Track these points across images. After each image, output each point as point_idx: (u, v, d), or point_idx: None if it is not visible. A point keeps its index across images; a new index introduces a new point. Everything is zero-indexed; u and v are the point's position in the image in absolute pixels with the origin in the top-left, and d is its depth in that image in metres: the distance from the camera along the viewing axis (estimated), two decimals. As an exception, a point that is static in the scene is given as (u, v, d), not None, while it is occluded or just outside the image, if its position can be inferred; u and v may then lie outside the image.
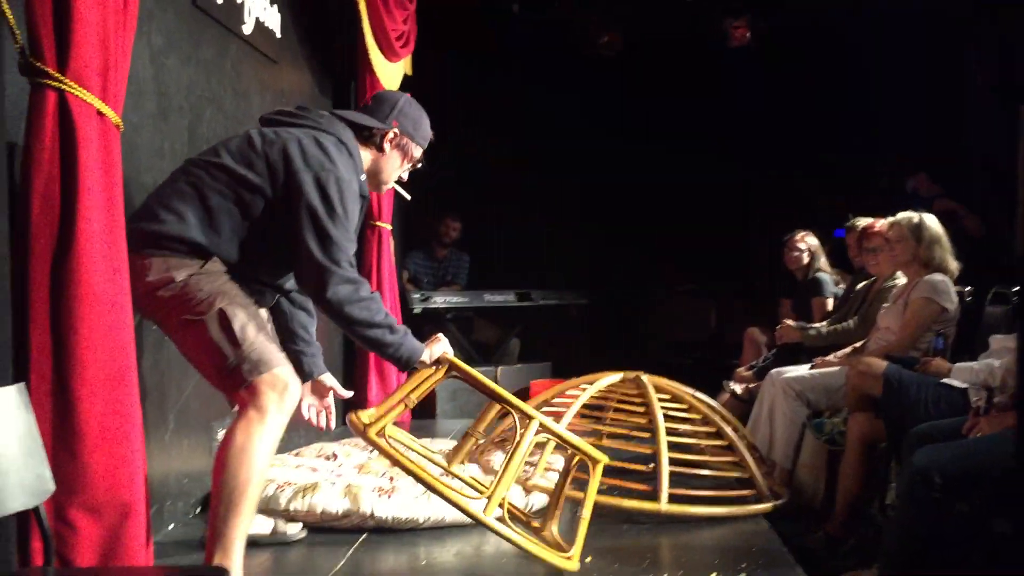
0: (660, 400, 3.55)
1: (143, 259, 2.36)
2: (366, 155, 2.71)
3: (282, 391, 2.34)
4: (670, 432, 3.40)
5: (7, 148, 2.11)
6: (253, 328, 2.37)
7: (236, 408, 2.45)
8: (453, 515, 2.98)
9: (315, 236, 2.42)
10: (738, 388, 4.85)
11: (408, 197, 3.21)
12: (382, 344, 2.53)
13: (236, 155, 2.50)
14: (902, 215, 3.97)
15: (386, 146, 2.73)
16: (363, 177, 2.64)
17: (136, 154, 2.86)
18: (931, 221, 3.93)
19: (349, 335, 2.59)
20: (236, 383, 2.35)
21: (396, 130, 2.72)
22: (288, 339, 2.79)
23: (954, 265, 3.90)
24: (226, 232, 2.44)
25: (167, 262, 2.38)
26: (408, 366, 2.62)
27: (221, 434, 3.40)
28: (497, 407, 2.86)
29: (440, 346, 2.68)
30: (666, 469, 3.20)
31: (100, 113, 2.17)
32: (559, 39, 7.19)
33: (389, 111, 2.73)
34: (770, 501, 3.32)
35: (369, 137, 2.71)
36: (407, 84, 5.55)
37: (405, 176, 2.88)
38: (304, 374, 2.82)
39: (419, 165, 2.88)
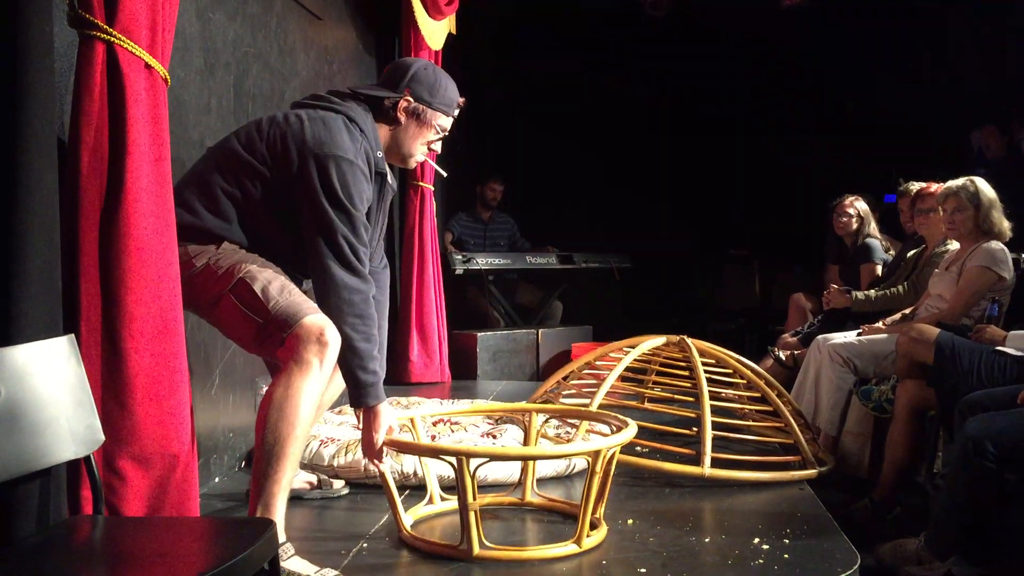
0: (704, 364, 3.51)
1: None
2: (383, 129, 2.58)
3: (319, 339, 2.28)
4: (713, 396, 3.37)
5: (57, 100, 2.11)
6: (276, 285, 2.35)
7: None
8: (495, 474, 2.98)
9: (316, 220, 2.35)
10: (783, 355, 4.79)
11: (444, 174, 3.06)
12: (357, 366, 2.38)
13: (243, 140, 2.46)
14: (955, 183, 3.85)
15: (400, 116, 2.58)
16: (379, 153, 2.54)
17: (183, 109, 2.86)
18: (985, 186, 3.83)
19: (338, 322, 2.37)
20: (274, 344, 2.33)
21: (409, 98, 2.57)
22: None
23: (1007, 225, 3.81)
24: (234, 219, 2.42)
25: (186, 250, 2.37)
26: (361, 401, 2.42)
27: (264, 389, 3.45)
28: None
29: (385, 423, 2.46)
30: (709, 433, 3.17)
31: (148, 66, 2.16)
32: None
33: (401, 79, 2.58)
34: (815, 468, 3.28)
35: (384, 109, 2.58)
36: (451, 43, 5.51)
37: (437, 148, 2.69)
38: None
39: (445, 133, 2.68)
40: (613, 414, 2.75)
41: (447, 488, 2.82)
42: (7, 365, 1.77)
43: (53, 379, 1.84)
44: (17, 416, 1.76)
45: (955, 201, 3.82)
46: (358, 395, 2.42)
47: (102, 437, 1.92)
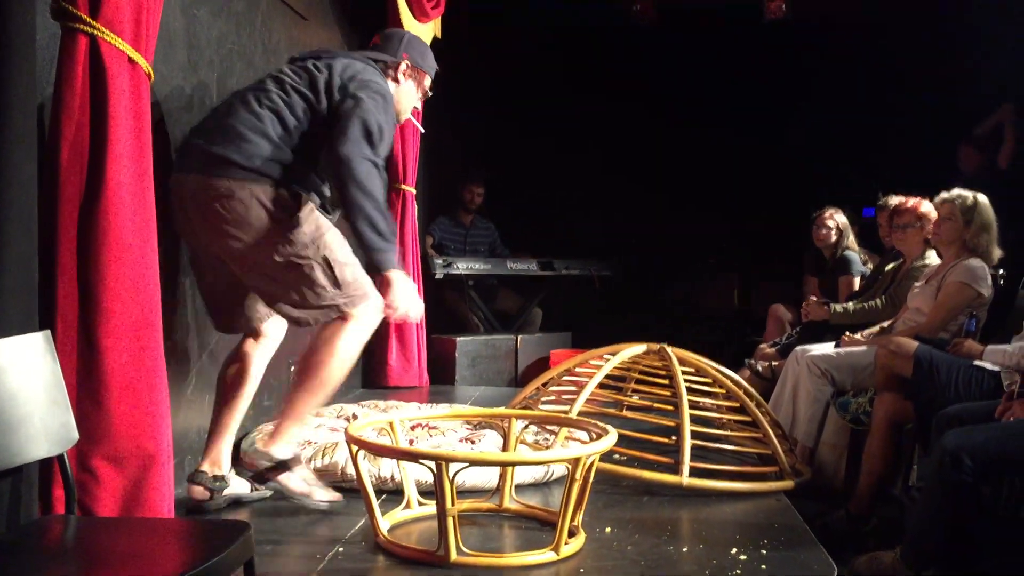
0: (684, 373, 3.51)
1: (227, 183, 2.52)
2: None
3: (372, 304, 2.65)
4: (693, 406, 3.37)
5: (38, 93, 2.08)
6: (352, 267, 2.65)
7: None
8: (473, 480, 2.97)
9: (358, 129, 2.60)
10: (760, 366, 4.81)
11: (423, 130, 3.49)
12: (372, 222, 2.57)
13: (292, 82, 2.69)
14: (956, 192, 3.84)
15: (400, 77, 2.98)
16: None
17: (165, 105, 2.83)
18: (985, 205, 3.79)
19: (346, 205, 2.58)
20: (329, 314, 2.62)
21: (408, 62, 2.99)
22: None
23: (997, 253, 3.79)
24: (289, 141, 2.62)
25: (247, 188, 2.53)
26: (376, 267, 2.64)
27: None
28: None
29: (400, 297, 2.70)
30: (688, 442, 3.17)
31: (132, 61, 2.14)
32: (590, 5, 7.10)
33: (398, 44, 3.00)
34: (792, 479, 3.29)
35: (385, 71, 2.93)
36: (436, 48, 5.49)
37: (419, 106, 3.12)
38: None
39: (430, 94, 3.12)
40: (593, 421, 2.74)
41: (425, 493, 2.80)
42: (-20, 360, 1.74)
43: (27, 376, 1.81)
44: (-10, 412, 1.73)
45: (948, 209, 3.81)
46: (377, 259, 2.64)
47: (76, 435, 1.89)
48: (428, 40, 5.29)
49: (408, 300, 2.70)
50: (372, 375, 5.27)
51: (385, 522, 2.57)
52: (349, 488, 3.01)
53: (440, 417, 3.21)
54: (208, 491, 2.75)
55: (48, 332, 1.90)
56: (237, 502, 2.87)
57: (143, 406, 2.12)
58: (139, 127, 2.15)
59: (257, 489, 2.93)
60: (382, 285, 2.66)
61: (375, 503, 2.51)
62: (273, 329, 2.91)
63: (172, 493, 2.28)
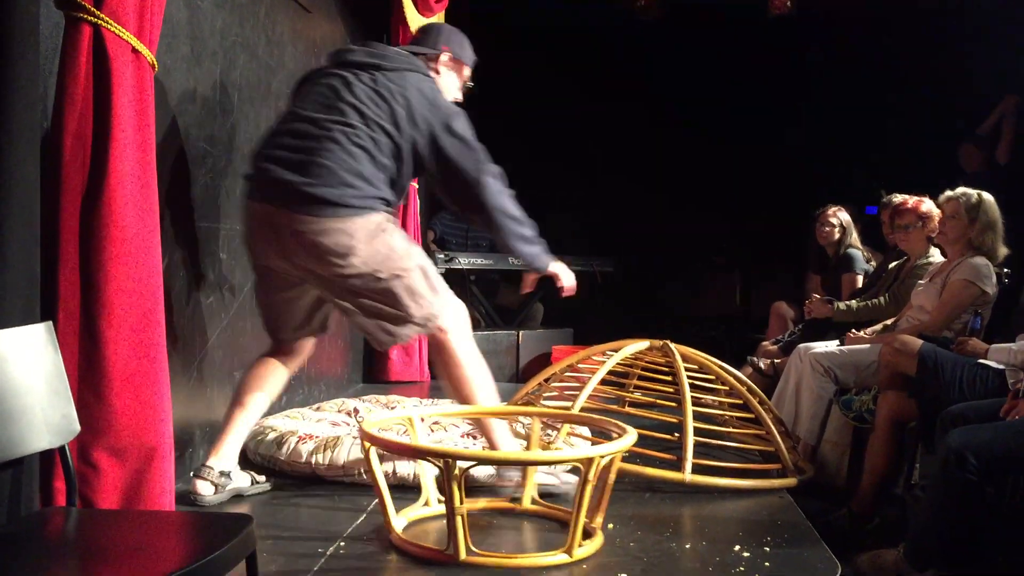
0: (687, 370, 3.50)
1: (339, 221, 2.60)
2: None
3: (458, 310, 2.82)
4: (696, 402, 3.36)
5: (41, 83, 2.07)
6: (439, 280, 2.79)
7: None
8: (477, 473, 2.95)
9: (462, 159, 2.77)
10: (762, 364, 4.80)
11: None
12: (513, 230, 2.87)
13: (374, 116, 2.72)
14: (961, 191, 3.82)
15: (442, 69, 3.03)
16: None
17: (167, 97, 2.81)
18: (990, 203, 3.77)
19: (486, 219, 2.84)
20: (420, 328, 2.75)
21: (448, 53, 3.05)
22: None
23: (1003, 252, 3.77)
24: (379, 177, 2.70)
25: (349, 222, 2.61)
26: (539, 270, 3.01)
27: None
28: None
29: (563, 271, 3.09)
30: (691, 439, 3.16)
31: (135, 51, 2.13)
32: (592, 2, 7.08)
33: (437, 37, 3.07)
34: (795, 476, 3.28)
35: (427, 63, 2.97)
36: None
37: (460, 97, 3.10)
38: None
39: (470, 84, 3.16)
40: (615, 421, 2.67)
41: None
42: (-18, 351, 1.72)
43: (29, 367, 1.80)
44: (-9, 404, 1.71)
45: (953, 207, 3.79)
46: (528, 254, 2.95)
47: (78, 427, 1.88)
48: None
49: (570, 276, 3.12)
50: (373, 370, 5.27)
51: (401, 519, 2.55)
52: (351, 483, 3.01)
53: (461, 414, 3.16)
54: (213, 486, 2.76)
55: (50, 323, 1.89)
56: (238, 496, 2.87)
57: (144, 398, 2.11)
58: (143, 118, 2.13)
59: (257, 482, 2.94)
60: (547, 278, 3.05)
61: (388, 499, 2.46)
62: (308, 348, 3.02)
63: (173, 486, 2.27)
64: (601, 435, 3.18)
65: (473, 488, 2.90)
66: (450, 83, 3.06)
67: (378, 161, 2.70)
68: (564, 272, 3.09)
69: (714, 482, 3.11)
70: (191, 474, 2.82)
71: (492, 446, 2.93)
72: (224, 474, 2.80)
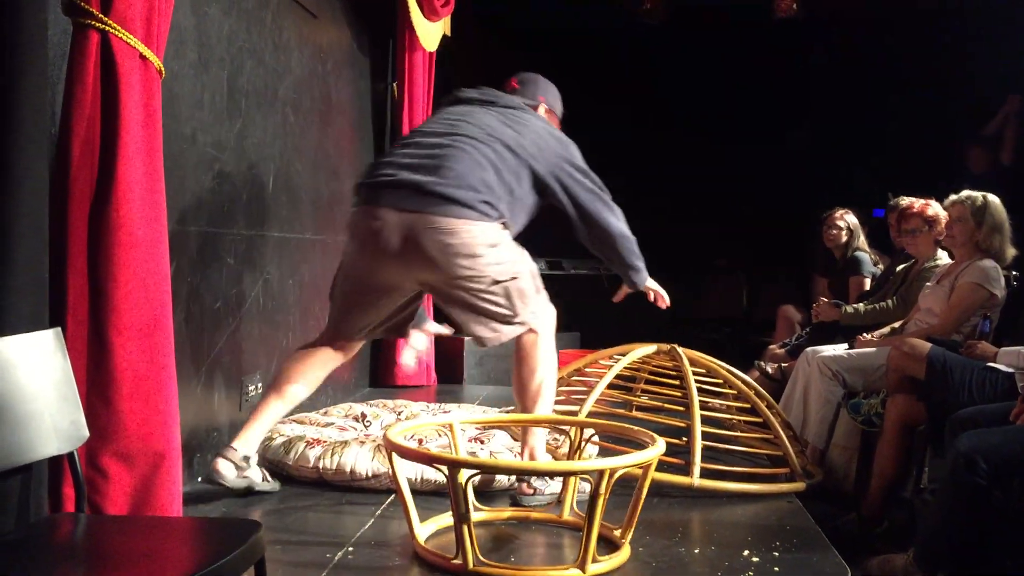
0: (694, 374, 3.49)
1: (466, 223, 2.70)
2: None
3: (549, 319, 2.95)
4: (704, 407, 3.35)
5: (49, 89, 2.07)
6: (540, 282, 2.94)
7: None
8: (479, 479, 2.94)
9: (586, 189, 3.01)
10: (769, 368, 4.79)
11: None
12: (632, 250, 3.15)
13: (516, 140, 2.89)
14: (966, 194, 3.80)
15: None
16: None
17: (175, 103, 2.82)
18: (996, 206, 3.75)
19: (606, 245, 3.11)
20: (521, 327, 2.84)
21: (545, 104, 3.25)
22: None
23: (1011, 253, 3.76)
24: (502, 191, 2.82)
25: (477, 226, 2.72)
26: (637, 285, 3.30)
27: (251, 389, 3.42)
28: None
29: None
30: (699, 443, 3.15)
31: (143, 57, 2.13)
32: (596, 5, 7.08)
33: (535, 88, 3.26)
34: (803, 480, 3.27)
35: None
36: (445, 47, 5.49)
37: None
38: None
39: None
40: (646, 431, 2.60)
41: (480, 496, 2.78)
42: (-9, 357, 1.73)
43: (38, 373, 1.81)
44: (0, 410, 1.72)
45: (959, 210, 3.78)
46: (635, 276, 3.25)
47: (86, 433, 1.89)
48: (437, 39, 5.29)
49: (664, 293, 3.43)
50: (380, 374, 5.26)
51: (431, 525, 2.53)
52: (359, 488, 3.01)
53: (499, 421, 3.16)
54: (235, 468, 2.82)
55: (59, 329, 1.89)
56: (248, 492, 2.89)
57: (153, 404, 2.11)
58: (150, 124, 2.14)
59: (268, 480, 2.96)
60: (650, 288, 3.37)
61: (411, 505, 2.44)
62: (357, 348, 3.12)
63: (181, 492, 2.26)
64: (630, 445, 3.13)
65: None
66: None
67: (503, 177, 2.82)
68: (659, 289, 3.42)
69: (722, 486, 3.10)
70: (215, 455, 2.86)
71: (531, 455, 2.93)
72: (246, 458, 2.85)
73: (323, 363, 3.01)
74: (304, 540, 2.56)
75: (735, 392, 3.63)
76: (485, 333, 2.85)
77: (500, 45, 6.87)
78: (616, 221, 3.08)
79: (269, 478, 2.98)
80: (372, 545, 2.50)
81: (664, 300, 3.44)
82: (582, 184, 3.00)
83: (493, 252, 2.75)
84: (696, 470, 3.09)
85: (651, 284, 3.36)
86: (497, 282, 2.77)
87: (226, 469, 2.79)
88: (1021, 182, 5.35)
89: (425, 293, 3.02)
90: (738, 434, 3.55)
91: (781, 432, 3.40)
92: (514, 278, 2.81)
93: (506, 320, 2.83)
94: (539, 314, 2.90)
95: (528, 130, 2.95)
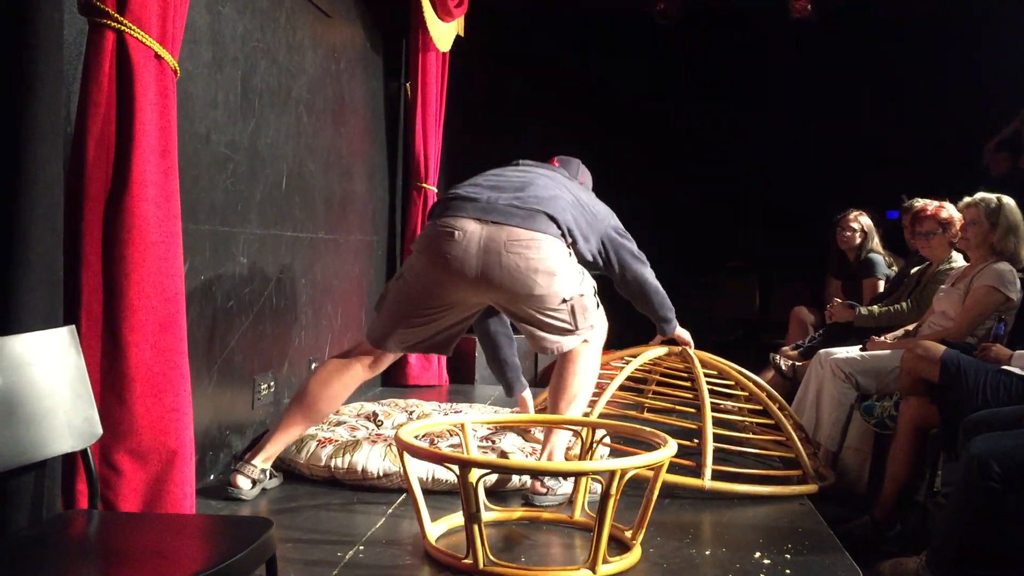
0: (705, 375, 3.48)
1: (549, 238, 2.80)
2: None
3: (602, 331, 3.06)
4: (715, 408, 3.34)
5: (64, 88, 2.08)
6: (597, 298, 3.02)
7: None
8: (490, 478, 2.95)
9: (628, 252, 3.22)
10: (783, 363, 4.76)
11: None
12: (664, 303, 3.40)
13: (553, 179, 3.05)
14: (980, 196, 3.78)
15: None
16: None
17: (189, 103, 2.83)
18: (1011, 208, 3.73)
19: (644, 299, 3.35)
20: (578, 339, 2.91)
21: (587, 184, 3.40)
22: (502, 367, 3.59)
23: None
24: (568, 226, 2.92)
25: (555, 245, 2.81)
26: (667, 329, 3.52)
27: (263, 387, 3.43)
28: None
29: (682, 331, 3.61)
30: (711, 445, 3.15)
31: (158, 57, 2.14)
32: (614, 2, 7.08)
33: (577, 169, 3.41)
34: (816, 482, 3.25)
35: None
36: (459, 47, 5.49)
37: None
38: (512, 391, 3.62)
39: None
40: (658, 432, 2.61)
41: (491, 494, 2.81)
42: (5, 355, 1.74)
43: (52, 370, 1.82)
44: (14, 407, 1.73)
45: (973, 213, 3.75)
46: (667, 327, 3.51)
47: (100, 431, 1.89)
48: (451, 39, 5.30)
49: (689, 337, 3.67)
50: (392, 374, 5.27)
51: (442, 525, 2.54)
52: (371, 487, 3.01)
53: (510, 421, 3.16)
54: (252, 483, 2.88)
55: (73, 327, 1.90)
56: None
57: (166, 402, 2.12)
58: (165, 123, 2.15)
59: (274, 475, 3.04)
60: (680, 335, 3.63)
61: (422, 504, 2.44)
62: (391, 360, 3.15)
63: (193, 489, 2.28)
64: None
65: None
66: None
67: (577, 220, 2.94)
68: (686, 336, 3.65)
69: (734, 488, 3.10)
70: (232, 469, 2.90)
71: (550, 455, 2.95)
72: (264, 471, 2.93)
73: (353, 379, 3.01)
74: (315, 539, 2.57)
75: (746, 394, 3.62)
76: (549, 344, 2.90)
77: (514, 46, 6.87)
78: (652, 279, 3.31)
79: (275, 472, 3.04)
80: (383, 544, 2.51)
81: (690, 344, 3.65)
82: (626, 248, 3.20)
83: (566, 270, 2.84)
84: (707, 472, 3.09)
85: (680, 332, 3.58)
86: (565, 300, 2.83)
87: (245, 484, 2.87)
88: None
89: (483, 310, 3.11)
90: (750, 436, 3.54)
91: (793, 434, 3.39)
92: (581, 295, 2.88)
93: (567, 332, 2.89)
94: (596, 327, 2.98)
95: (586, 194, 3.15)
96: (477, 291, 2.85)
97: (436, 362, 5.37)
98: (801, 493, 3.17)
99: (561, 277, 2.81)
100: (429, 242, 2.86)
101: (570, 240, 2.90)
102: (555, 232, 2.82)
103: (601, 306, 3.06)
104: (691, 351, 3.61)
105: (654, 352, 3.68)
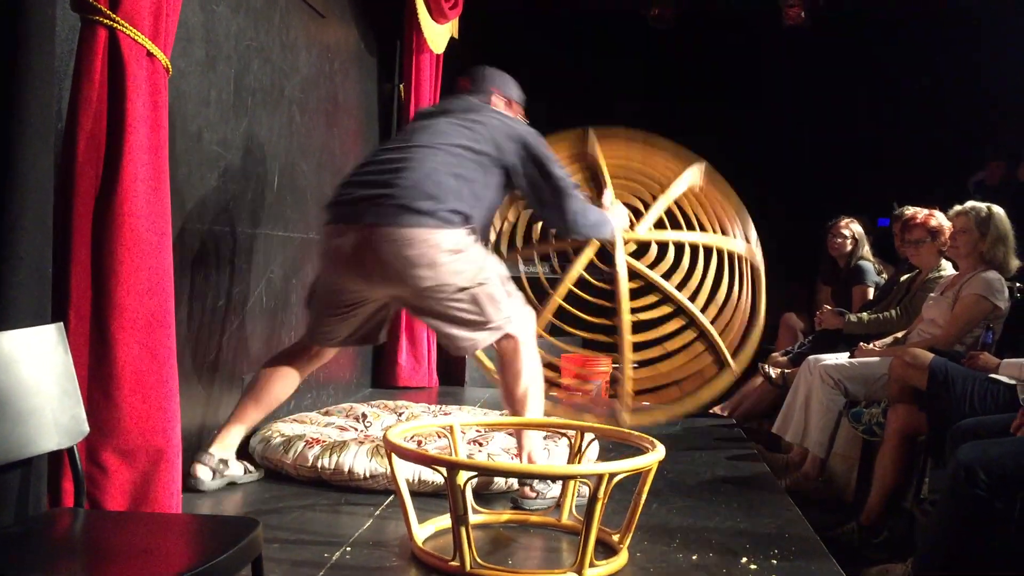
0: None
1: (424, 231, 2.69)
2: None
3: (527, 323, 2.91)
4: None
5: (56, 85, 2.08)
6: (511, 286, 2.90)
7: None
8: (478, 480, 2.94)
9: (550, 176, 2.98)
10: (772, 372, 4.78)
11: None
12: (588, 224, 3.16)
13: (466, 141, 2.87)
14: (970, 205, 3.80)
15: (498, 108, 3.13)
16: None
17: (182, 101, 2.83)
18: (1000, 217, 3.74)
19: (571, 231, 3.15)
20: (495, 334, 2.82)
21: (500, 95, 3.18)
22: None
23: (1015, 264, 3.74)
24: (463, 192, 2.80)
25: (434, 235, 2.70)
26: (610, 237, 3.54)
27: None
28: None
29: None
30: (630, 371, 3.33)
31: (150, 54, 2.14)
32: (609, 5, 7.09)
33: (486, 82, 3.17)
34: (731, 368, 3.46)
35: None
36: (453, 49, 5.49)
37: None
38: None
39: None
40: (646, 436, 2.60)
41: (479, 497, 2.81)
42: (-8, 351, 1.73)
43: (39, 368, 1.80)
44: (0, 404, 1.72)
45: (962, 222, 3.77)
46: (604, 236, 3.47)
47: (87, 428, 1.88)
48: (445, 41, 5.30)
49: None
50: (382, 375, 5.27)
51: (429, 527, 2.53)
52: (357, 488, 3.01)
53: (499, 424, 3.16)
54: (212, 471, 2.91)
55: (61, 324, 1.89)
56: (232, 484, 2.99)
57: (153, 400, 2.12)
58: (156, 121, 2.14)
59: (250, 471, 3.06)
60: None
61: (409, 506, 2.44)
62: (330, 355, 3.18)
63: (180, 488, 2.27)
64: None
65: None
66: None
67: (464, 180, 2.81)
68: (619, 214, 3.56)
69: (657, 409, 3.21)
70: (193, 461, 2.91)
71: (529, 458, 2.94)
72: (223, 462, 2.95)
73: (300, 369, 3.09)
74: (302, 539, 2.56)
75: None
76: (460, 341, 2.84)
77: (509, 48, 6.87)
78: (572, 205, 3.05)
79: (252, 468, 3.07)
80: (370, 545, 2.50)
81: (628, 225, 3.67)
82: (543, 170, 2.98)
83: (455, 259, 2.74)
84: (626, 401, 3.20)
85: (617, 216, 3.50)
86: (462, 289, 2.75)
87: (204, 474, 2.90)
88: None
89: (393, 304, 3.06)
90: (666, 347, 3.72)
91: (707, 324, 3.54)
92: (481, 284, 2.78)
93: (479, 326, 2.81)
94: (514, 318, 2.87)
95: (484, 127, 2.92)
96: (372, 288, 2.87)
97: (426, 364, 5.37)
98: (722, 384, 3.32)
99: (446, 267, 2.72)
100: (320, 248, 2.98)
101: (460, 218, 2.77)
102: (433, 221, 2.71)
103: (518, 295, 2.95)
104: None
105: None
